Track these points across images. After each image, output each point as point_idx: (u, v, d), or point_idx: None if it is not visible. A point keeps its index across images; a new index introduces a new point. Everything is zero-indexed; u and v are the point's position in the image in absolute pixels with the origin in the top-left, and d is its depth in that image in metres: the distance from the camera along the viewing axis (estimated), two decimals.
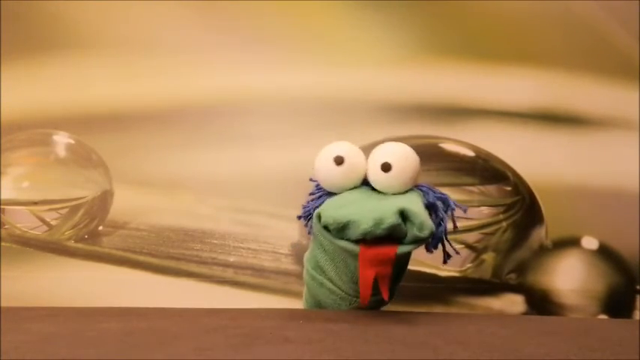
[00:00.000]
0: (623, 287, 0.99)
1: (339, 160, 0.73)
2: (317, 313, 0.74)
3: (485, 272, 0.99)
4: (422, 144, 0.98)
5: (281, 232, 0.98)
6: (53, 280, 0.97)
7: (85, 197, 0.98)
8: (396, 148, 0.74)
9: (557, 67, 1.01)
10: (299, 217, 0.79)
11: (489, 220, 0.98)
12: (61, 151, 1.00)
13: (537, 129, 1.00)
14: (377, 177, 0.73)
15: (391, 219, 0.67)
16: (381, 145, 0.75)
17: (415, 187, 0.74)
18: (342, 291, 0.74)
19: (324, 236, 0.72)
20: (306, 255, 0.78)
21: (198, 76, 1.00)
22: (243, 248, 0.99)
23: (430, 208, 0.73)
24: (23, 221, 0.98)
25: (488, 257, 0.99)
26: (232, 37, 1.01)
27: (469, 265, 0.99)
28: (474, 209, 0.98)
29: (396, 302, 0.76)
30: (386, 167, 0.72)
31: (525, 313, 0.98)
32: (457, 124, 0.99)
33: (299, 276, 0.84)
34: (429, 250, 0.74)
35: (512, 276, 0.99)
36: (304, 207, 0.77)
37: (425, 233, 0.68)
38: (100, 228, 0.98)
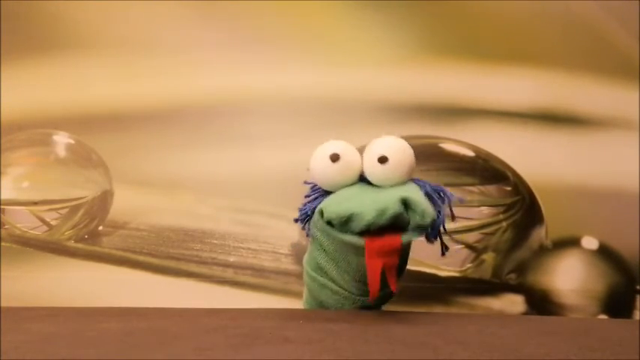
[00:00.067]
0: (623, 287, 0.99)
1: (334, 158, 0.73)
2: (317, 313, 0.74)
3: (485, 272, 0.99)
4: (422, 144, 0.98)
5: (281, 232, 0.98)
6: (53, 280, 0.97)
7: (85, 197, 0.98)
8: (392, 142, 0.74)
9: (556, 67, 1.01)
10: (296, 220, 0.78)
11: (489, 220, 0.98)
12: (61, 151, 1.00)
13: (537, 129, 1.00)
14: (374, 169, 0.73)
15: (394, 208, 0.68)
16: (377, 139, 0.75)
17: (411, 180, 0.75)
18: (345, 290, 0.74)
19: (325, 235, 0.72)
20: (305, 257, 0.78)
21: (198, 76, 1.00)
22: (243, 248, 0.99)
23: (428, 198, 0.73)
24: (23, 221, 0.98)
25: (488, 257, 0.99)
26: (232, 37, 1.01)
27: (469, 265, 0.99)
28: (474, 209, 0.98)
29: (396, 302, 0.76)
30: (382, 159, 0.72)
31: (525, 313, 0.98)
32: (457, 124, 0.99)
33: (299, 276, 0.84)
34: (429, 240, 0.74)
35: (512, 276, 0.99)
36: (301, 210, 0.77)
37: (427, 221, 0.69)
38: (100, 228, 0.98)
